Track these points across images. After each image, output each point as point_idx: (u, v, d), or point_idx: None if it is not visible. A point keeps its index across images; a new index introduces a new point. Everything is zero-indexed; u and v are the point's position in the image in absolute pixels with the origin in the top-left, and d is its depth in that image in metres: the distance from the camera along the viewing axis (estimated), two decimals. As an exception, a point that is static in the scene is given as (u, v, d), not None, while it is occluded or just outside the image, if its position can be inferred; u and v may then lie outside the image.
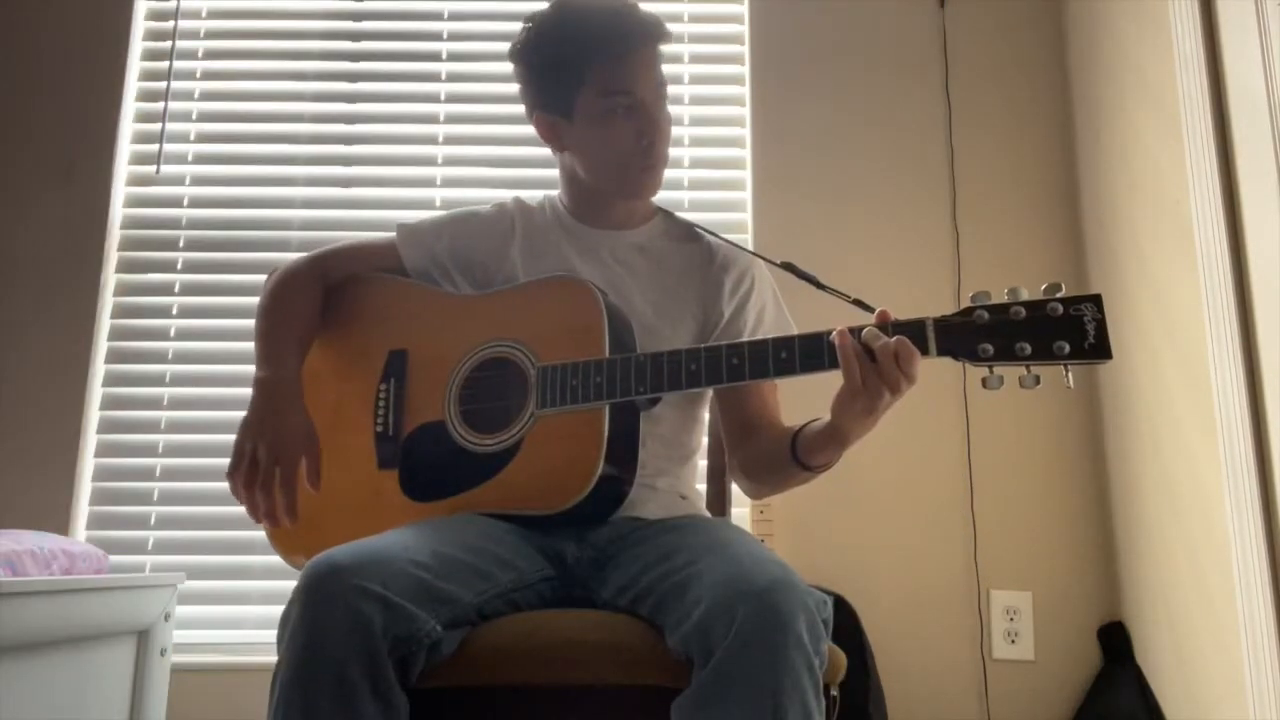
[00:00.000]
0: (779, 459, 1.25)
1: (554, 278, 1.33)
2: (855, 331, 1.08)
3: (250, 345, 2.21)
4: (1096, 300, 1.02)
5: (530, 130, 1.42)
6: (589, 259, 1.39)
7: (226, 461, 2.15)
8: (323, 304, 1.41)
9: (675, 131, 2.37)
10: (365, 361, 1.38)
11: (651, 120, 1.32)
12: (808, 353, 1.12)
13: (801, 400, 1.30)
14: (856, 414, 1.09)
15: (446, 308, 1.39)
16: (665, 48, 1.37)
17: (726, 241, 1.46)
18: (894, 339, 1.05)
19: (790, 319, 1.44)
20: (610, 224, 1.43)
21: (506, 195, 1.51)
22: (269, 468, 1.22)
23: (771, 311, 1.43)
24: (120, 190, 2.36)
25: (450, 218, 1.47)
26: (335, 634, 0.94)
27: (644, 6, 1.37)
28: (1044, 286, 1.04)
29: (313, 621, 0.95)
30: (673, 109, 2.34)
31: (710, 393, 1.44)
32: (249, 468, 1.23)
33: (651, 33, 1.32)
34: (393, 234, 1.45)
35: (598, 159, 1.36)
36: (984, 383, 1.06)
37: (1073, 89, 2.34)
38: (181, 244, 2.35)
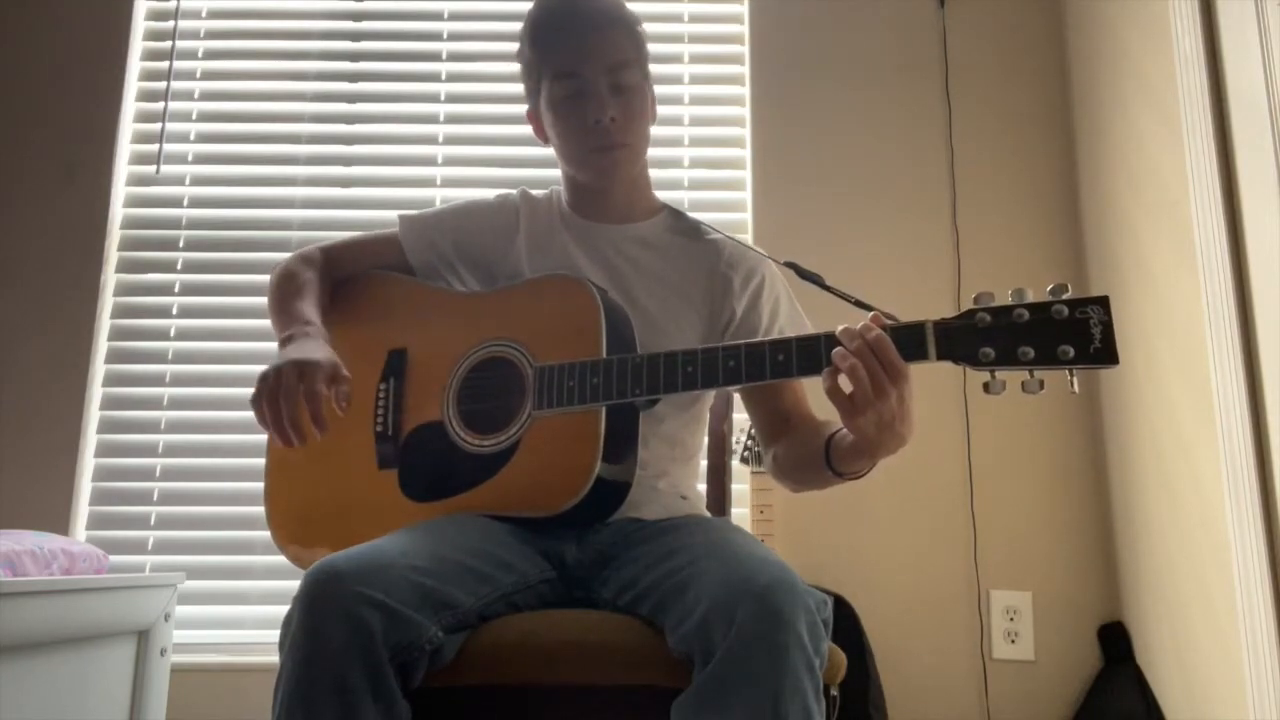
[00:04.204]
0: (814, 463, 1.22)
1: (552, 276, 1.33)
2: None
3: (250, 346, 2.29)
4: (1103, 303, 0.97)
5: (529, 129, 1.44)
6: (592, 254, 1.39)
7: (227, 462, 2.22)
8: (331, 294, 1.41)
9: (675, 131, 2.40)
10: (364, 360, 1.36)
11: (600, 101, 1.31)
12: (804, 356, 1.10)
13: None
14: (866, 423, 1.04)
15: (446, 306, 1.38)
16: (658, 45, 1.36)
17: (734, 240, 1.44)
18: (872, 335, 1.02)
19: (803, 313, 1.42)
20: (611, 218, 1.42)
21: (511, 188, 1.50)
22: (292, 383, 1.13)
23: (785, 306, 1.41)
24: (120, 190, 2.36)
25: (453, 210, 1.46)
26: (336, 642, 0.93)
27: (629, 3, 1.38)
28: (1049, 288, 1.00)
29: (314, 630, 0.94)
30: (673, 109, 2.40)
31: (712, 393, 1.43)
32: (272, 387, 1.13)
33: (596, 17, 1.33)
34: (395, 229, 1.44)
35: (561, 145, 1.38)
36: (985, 387, 1.01)
37: (1073, 89, 2.34)
38: (181, 244, 2.35)
